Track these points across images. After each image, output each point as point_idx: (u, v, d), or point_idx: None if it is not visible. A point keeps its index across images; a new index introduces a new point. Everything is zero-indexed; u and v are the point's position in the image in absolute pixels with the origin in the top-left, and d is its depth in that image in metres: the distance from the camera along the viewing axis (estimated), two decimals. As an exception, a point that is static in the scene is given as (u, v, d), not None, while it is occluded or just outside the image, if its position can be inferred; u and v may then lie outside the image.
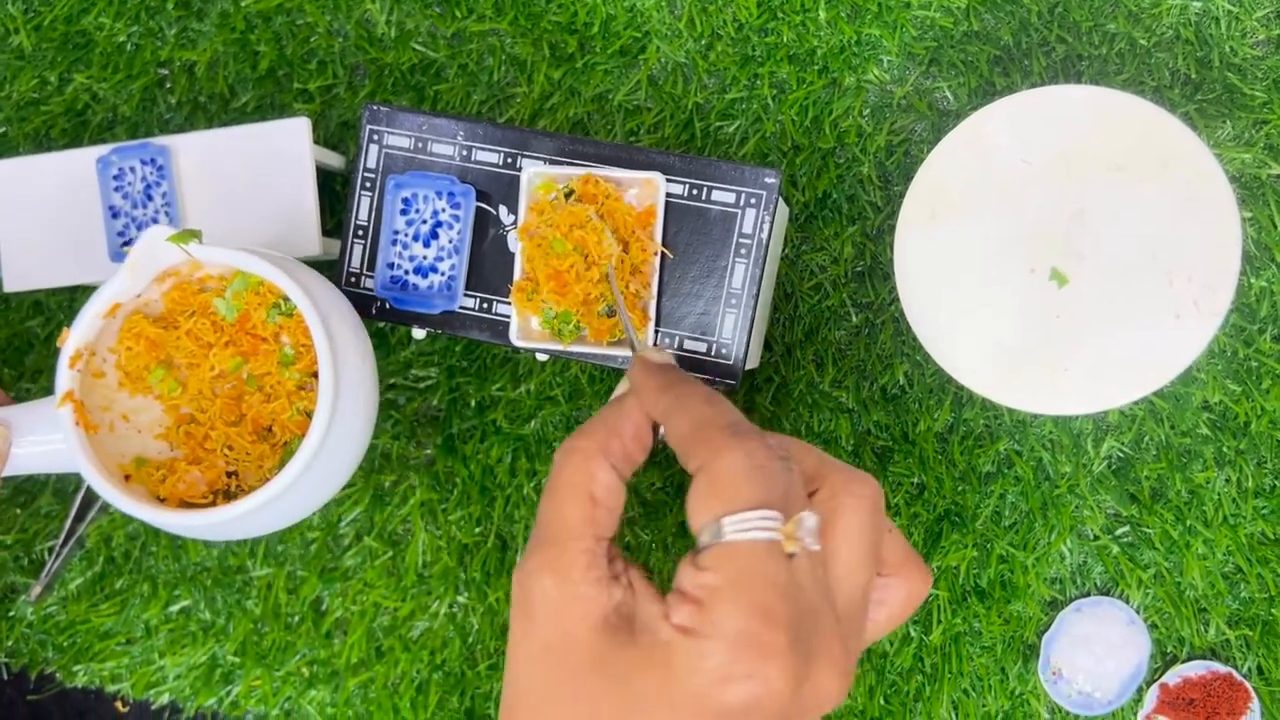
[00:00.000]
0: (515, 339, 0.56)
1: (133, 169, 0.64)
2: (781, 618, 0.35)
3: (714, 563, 0.36)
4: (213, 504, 0.54)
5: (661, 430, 0.43)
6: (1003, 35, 0.62)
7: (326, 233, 0.66)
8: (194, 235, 0.53)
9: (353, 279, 0.59)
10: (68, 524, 0.71)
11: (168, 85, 0.72)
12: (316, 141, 0.69)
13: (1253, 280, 0.60)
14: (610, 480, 0.40)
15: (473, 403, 0.67)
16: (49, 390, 0.66)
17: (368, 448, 0.57)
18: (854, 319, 0.64)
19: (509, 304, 0.56)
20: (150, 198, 0.64)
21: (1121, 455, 0.62)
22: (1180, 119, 0.52)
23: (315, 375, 0.54)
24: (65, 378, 0.53)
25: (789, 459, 0.39)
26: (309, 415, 0.54)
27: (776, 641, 0.35)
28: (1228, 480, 0.61)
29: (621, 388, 0.47)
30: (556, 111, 0.66)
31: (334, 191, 0.69)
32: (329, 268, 0.68)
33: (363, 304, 0.58)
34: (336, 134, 0.69)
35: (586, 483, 0.40)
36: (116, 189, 0.64)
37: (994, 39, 0.62)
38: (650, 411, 0.42)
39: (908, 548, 0.44)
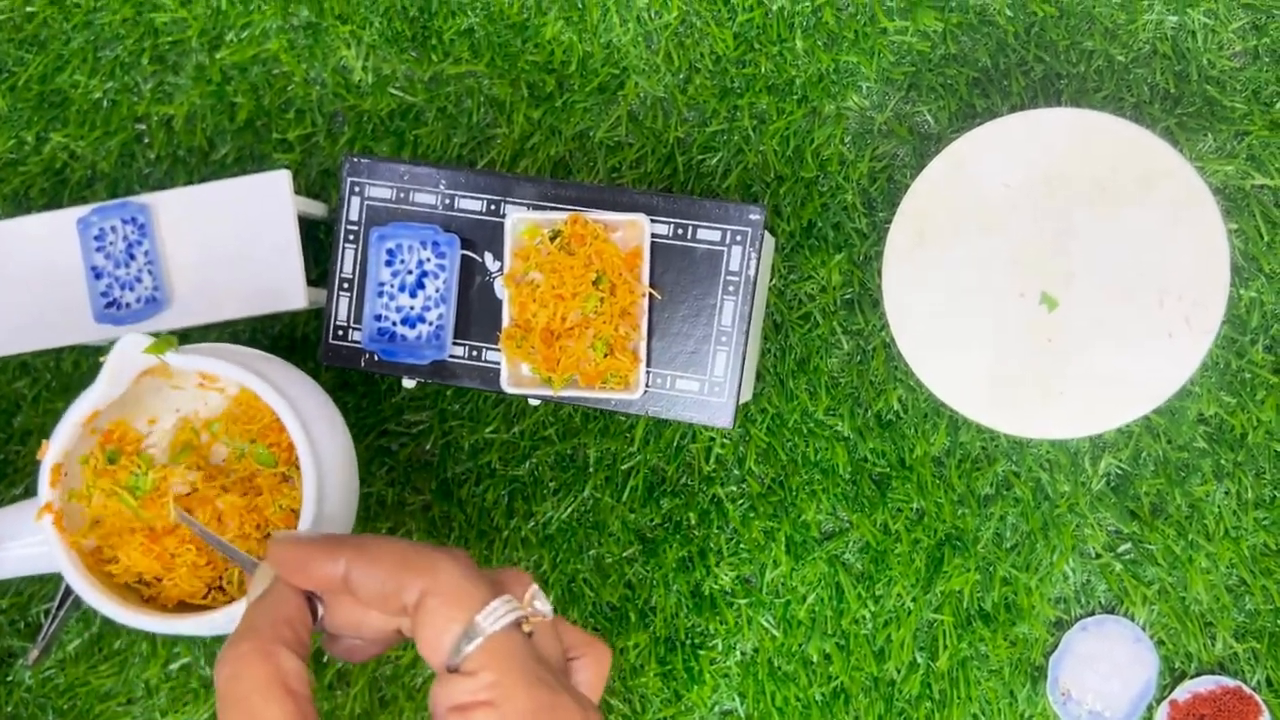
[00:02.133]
0: (506, 386, 0.55)
1: (114, 228, 0.63)
2: (556, 685, 0.38)
3: (483, 662, 0.37)
4: (208, 603, 0.55)
5: (320, 613, 0.42)
6: (980, 57, 0.62)
7: (312, 282, 0.65)
8: (170, 343, 0.53)
9: (340, 332, 0.58)
10: (63, 586, 0.70)
11: (146, 140, 0.71)
12: (298, 191, 0.68)
13: (1242, 291, 0.60)
14: (299, 668, 0.38)
15: (466, 446, 0.67)
16: (36, 448, 0.66)
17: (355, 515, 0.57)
18: (845, 346, 0.64)
19: (498, 350, 0.56)
20: (133, 257, 0.63)
21: (1120, 472, 0.61)
22: (1162, 135, 0.52)
23: (297, 465, 0.55)
24: (46, 492, 0.53)
25: None
26: (295, 512, 0.55)
27: (561, 700, 0.38)
28: (1227, 493, 0.60)
29: (259, 585, 0.43)
30: (538, 151, 0.66)
31: (318, 240, 0.68)
32: (316, 317, 0.68)
33: (351, 357, 0.58)
34: (318, 182, 0.69)
35: (277, 678, 0.37)
36: (98, 249, 0.64)
37: (972, 61, 0.62)
38: (319, 582, 0.41)
39: (583, 631, 0.45)
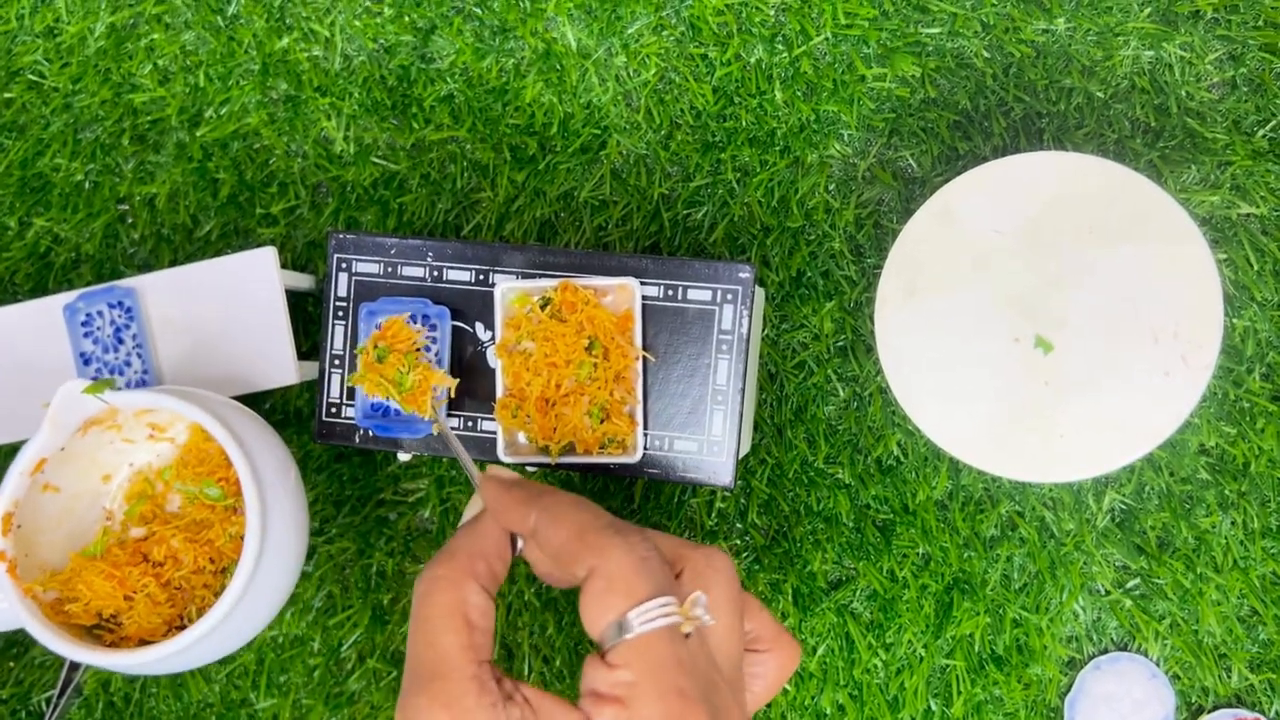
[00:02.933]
0: (503, 455, 0.55)
1: (100, 313, 0.63)
2: (695, 695, 0.37)
3: (626, 658, 0.37)
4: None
5: (520, 544, 0.44)
6: (960, 100, 0.62)
7: (303, 355, 0.65)
8: (109, 384, 0.54)
9: (332, 409, 0.58)
10: (63, 673, 0.69)
11: (129, 220, 0.71)
12: (284, 265, 0.68)
13: (1235, 321, 0.60)
14: (482, 602, 0.40)
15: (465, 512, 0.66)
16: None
17: (305, 552, 0.59)
18: (841, 393, 0.63)
19: (494, 420, 0.56)
20: (121, 341, 0.63)
21: (1124, 507, 0.61)
22: (1145, 170, 0.52)
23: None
24: None
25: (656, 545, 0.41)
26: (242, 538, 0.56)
27: (695, 714, 0.37)
28: (1233, 523, 0.60)
29: (472, 509, 0.46)
30: (524, 213, 0.66)
31: (306, 312, 0.68)
32: (308, 389, 0.67)
33: (345, 434, 0.57)
34: (304, 254, 0.69)
35: (460, 608, 0.40)
36: (86, 334, 0.63)
37: (952, 104, 0.62)
38: (514, 527, 0.43)
39: (776, 623, 0.45)
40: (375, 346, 0.55)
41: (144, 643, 0.55)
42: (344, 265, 0.57)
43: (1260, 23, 0.59)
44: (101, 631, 0.57)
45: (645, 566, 0.39)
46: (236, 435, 0.53)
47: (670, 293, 0.55)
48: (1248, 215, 0.60)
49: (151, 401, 0.55)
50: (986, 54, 0.62)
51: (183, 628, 0.56)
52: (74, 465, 0.58)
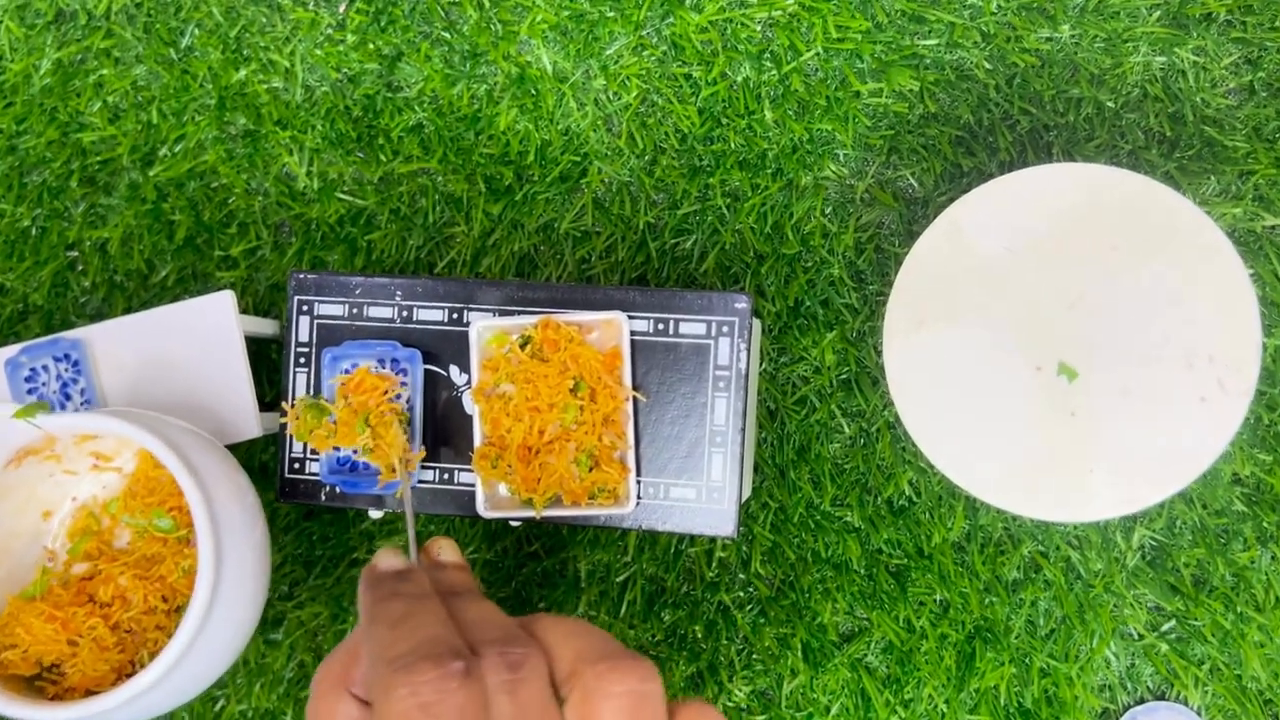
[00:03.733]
0: (483, 511, 0.50)
1: (45, 367, 0.58)
2: None
3: None
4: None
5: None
6: (962, 114, 0.59)
7: (266, 406, 0.60)
8: (41, 407, 0.50)
9: (296, 465, 0.53)
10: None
11: (79, 268, 0.66)
12: (245, 310, 0.64)
13: (1265, 340, 0.56)
14: (352, 711, 0.37)
15: (446, 571, 0.61)
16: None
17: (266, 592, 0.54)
18: (847, 430, 0.59)
19: (472, 472, 0.51)
20: (68, 396, 0.58)
21: (1155, 544, 0.57)
22: (1162, 182, 0.48)
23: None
24: None
25: (482, 677, 0.34)
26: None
27: None
28: (1274, 558, 0.56)
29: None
30: (501, 248, 0.62)
31: (270, 359, 0.64)
32: (274, 442, 0.62)
33: (310, 491, 0.53)
34: (266, 298, 0.64)
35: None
36: (30, 390, 0.59)
37: (953, 119, 0.59)
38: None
39: None
40: (311, 402, 0.50)
41: (90, 693, 0.50)
42: (305, 308, 0.53)
43: (1277, 23, 0.56)
44: (44, 684, 0.52)
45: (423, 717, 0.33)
46: (184, 456, 0.49)
47: (661, 327, 0.50)
48: (1273, 227, 0.56)
49: (90, 425, 0.50)
50: (988, 65, 0.58)
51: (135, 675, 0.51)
52: (9, 501, 0.53)
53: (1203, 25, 0.57)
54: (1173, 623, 0.57)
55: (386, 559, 0.41)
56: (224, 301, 0.57)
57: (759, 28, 0.60)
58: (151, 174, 0.65)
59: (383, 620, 0.36)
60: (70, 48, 0.66)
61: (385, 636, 0.35)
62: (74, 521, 0.56)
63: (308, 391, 0.53)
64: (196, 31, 0.65)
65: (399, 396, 0.51)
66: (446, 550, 0.44)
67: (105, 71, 0.66)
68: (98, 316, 0.66)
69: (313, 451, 0.53)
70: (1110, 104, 0.57)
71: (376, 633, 0.36)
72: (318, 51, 0.64)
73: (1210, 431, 0.48)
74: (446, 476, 0.52)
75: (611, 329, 0.50)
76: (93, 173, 0.66)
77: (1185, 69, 0.57)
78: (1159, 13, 0.57)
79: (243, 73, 0.65)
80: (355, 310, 0.52)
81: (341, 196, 0.63)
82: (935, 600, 0.58)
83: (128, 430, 0.49)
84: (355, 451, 0.51)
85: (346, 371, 0.52)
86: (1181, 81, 0.57)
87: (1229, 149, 0.56)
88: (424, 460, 0.52)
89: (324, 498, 0.53)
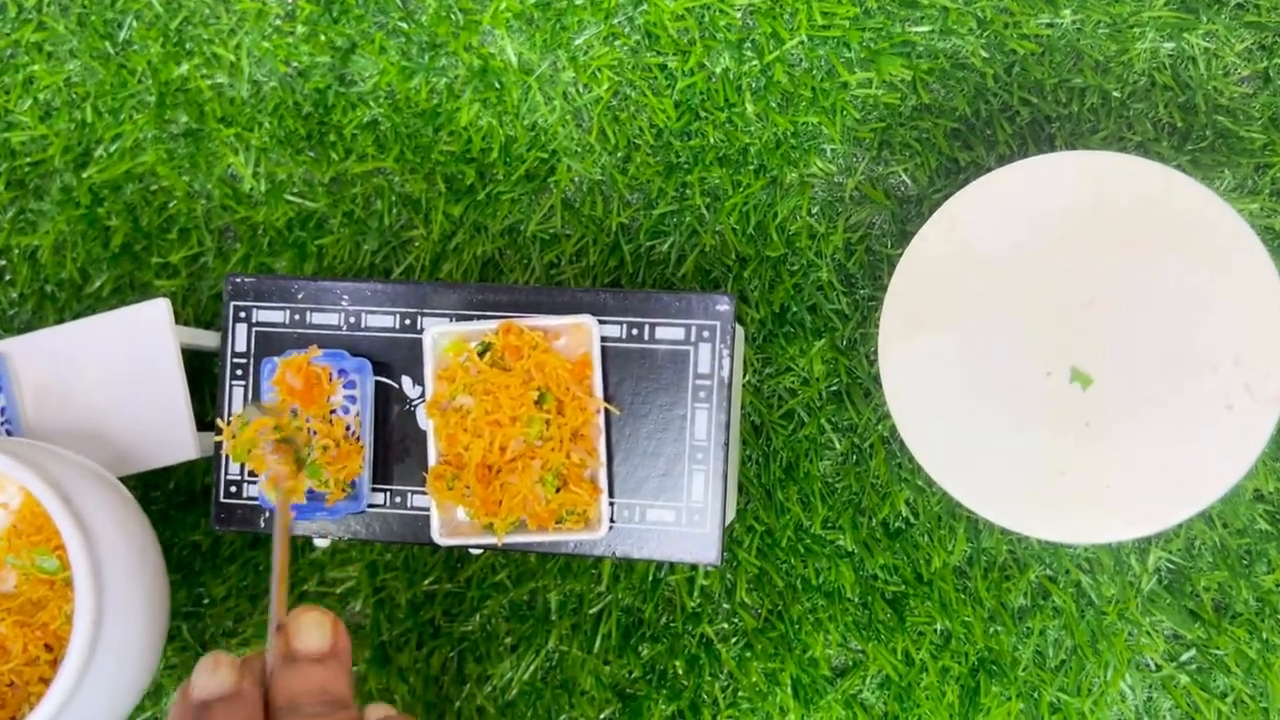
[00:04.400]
0: (439, 537, 0.46)
1: (-38, 384, 0.53)
2: None
3: None
4: None
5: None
6: (958, 105, 0.55)
7: (205, 425, 0.55)
8: None
9: (232, 488, 0.48)
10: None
11: (7, 277, 0.61)
12: (186, 321, 0.59)
13: (1287, 345, 0.52)
14: None
15: (403, 602, 0.57)
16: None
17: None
18: (838, 446, 0.55)
19: (426, 494, 0.46)
20: (-14, 415, 0.53)
21: (1172, 567, 0.52)
22: (1189, 176, 0.44)
23: None
24: None
25: None
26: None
27: None
28: (1301, 581, 0.52)
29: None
30: (462, 251, 0.57)
31: (213, 375, 0.59)
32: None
33: (248, 518, 0.48)
34: (209, 308, 0.59)
35: None
36: (-55, 410, 0.53)
37: (949, 111, 0.55)
38: None
39: None
40: (254, 408, 0.45)
41: None
42: (243, 314, 0.48)
43: (1293, 6, 0.53)
44: None
45: None
46: (62, 491, 0.44)
47: (635, 332, 0.46)
48: (1292, 224, 0.52)
49: None
50: (985, 53, 0.54)
51: None
52: None
53: (1213, 9, 0.53)
54: (1193, 652, 0.52)
55: (203, 680, 0.34)
56: (158, 310, 0.52)
57: (739, 15, 0.56)
58: (86, 176, 0.60)
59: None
60: (-2, 41, 0.61)
61: None
62: None
63: (245, 405, 0.48)
64: (135, 24, 0.61)
65: (345, 410, 0.46)
66: (306, 633, 0.35)
67: (36, 67, 0.61)
68: (27, 329, 0.61)
69: (251, 473, 0.48)
70: (1116, 93, 0.53)
71: None
72: (265, 44, 0.59)
73: (1238, 441, 0.43)
74: (399, 500, 0.47)
75: (580, 334, 0.46)
76: (22, 175, 0.61)
77: (1196, 55, 0.53)
78: (1166, -4, 0.53)
79: (184, 67, 0.60)
80: (297, 316, 0.48)
81: (290, 199, 0.59)
82: (935, 630, 0.54)
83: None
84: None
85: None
86: (1192, 69, 0.53)
87: (1244, 140, 0.53)
88: (374, 482, 0.47)
89: (263, 524, 0.48)
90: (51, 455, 0.47)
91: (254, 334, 0.48)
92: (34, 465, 0.45)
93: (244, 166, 0.59)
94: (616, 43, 0.57)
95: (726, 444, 0.46)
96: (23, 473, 0.44)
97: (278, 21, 0.60)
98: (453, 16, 0.58)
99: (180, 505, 0.59)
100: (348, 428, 0.46)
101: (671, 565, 0.55)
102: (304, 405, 0.45)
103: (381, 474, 0.47)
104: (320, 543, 0.48)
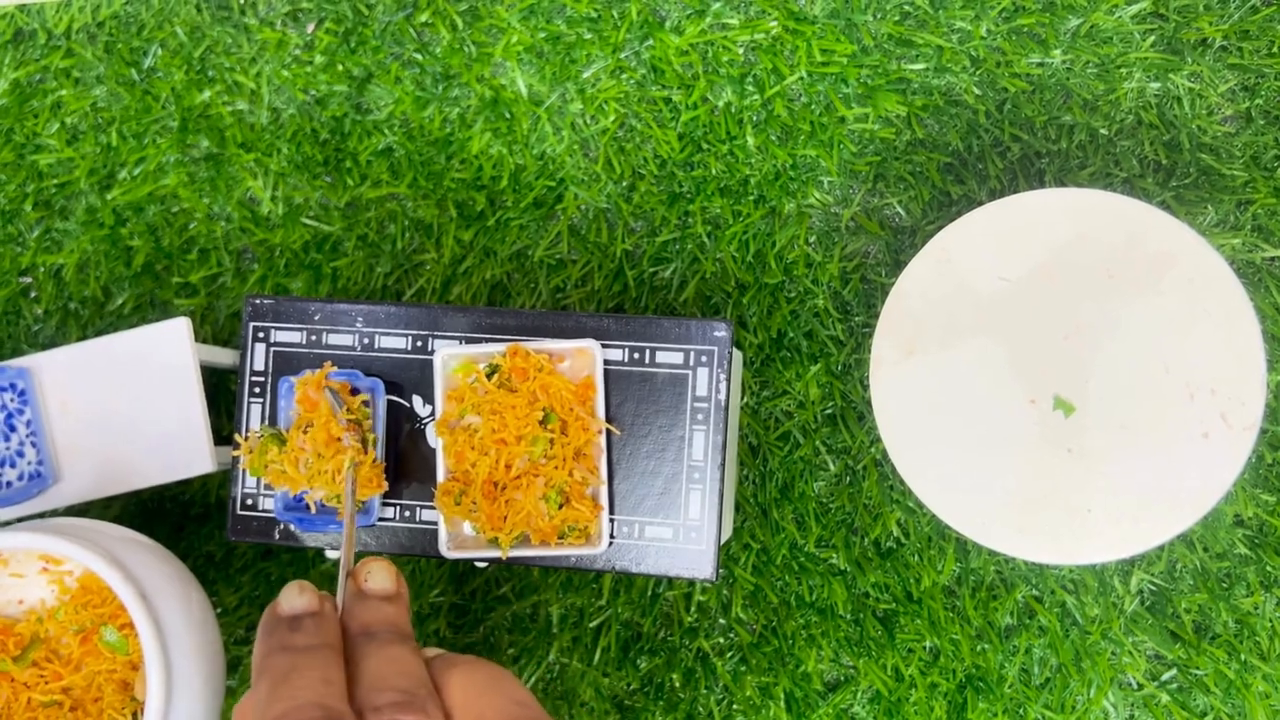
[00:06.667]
0: (446, 551, 0.47)
1: (-11, 397, 0.55)
2: None
3: None
4: None
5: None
6: (951, 140, 0.57)
7: (223, 440, 0.57)
8: None
9: (248, 501, 0.50)
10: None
11: (33, 295, 0.64)
12: (204, 339, 0.61)
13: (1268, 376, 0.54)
14: None
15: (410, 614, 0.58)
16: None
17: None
18: (832, 467, 0.57)
19: (435, 509, 0.48)
20: (13, 428, 0.55)
21: (1154, 589, 0.54)
22: (1166, 212, 0.46)
23: None
24: None
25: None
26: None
27: None
28: (1279, 604, 0.53)
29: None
30: (472, 275, 0.59)
31: (230, 392, 0.61)
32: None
33: (263, 530, 0.50)
34: (226, 327, 0.61)
35: None
36: (-27, 422, 0.56)
37: (942, 145, 0.57)
38: None
39: None
40: (271, 432, 0.47)
41: None
42: (261, 334, 0.50)
43: (1275, 50, 0.54)
44: None
45: None
46: (133, 577, 0.45)
47: (636, 356, 0.48)
48: (1272, 259, 0.54)
49: (20, 543, 0.46)
50: (977, 90, 0.56)
51: None
52: None
53: (1198, 51, 0.55)
54: (1174, 672, 0.54)
55: (290, 598, 0.37)
56: (179, 329, 0.54)
57: (741, 51, 0.58)
58: (110, 198, 0.63)
59: (267, 677, 0.33)
60: (28, 67, 0.64)
61: (264, 698, 0.32)
62: (17, 627, 0.50)
63: (263, 422, 0.50)
64: (160, 52, 0.63)
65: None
66: (375, 576, 0.39)
67: (64, 92, 0.64)
68: (51, 345, 0.63)
69: (267, 487, 0.50)
70: (1104, 130, 0.56)
71: (259, 692, 0.33)
72: (284, 72, 0.62)
73: (1214, 468, 0.45)
74: (408, 514, 0.49)
75: (584, 358, 0.48)
76: (49, 196, 0.64)
77: (1180, 95, 0.55)
78: (1153, 38, 0.55)
79: (206, 94, 0.62)
80: (314, 337, 0.50)
81: (307, 222, 0.61)
82: (925, 647, 0.55)
83: (66, 550, 0.46)
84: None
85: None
86: (1177, 108, 0.55)
87: (1226, 178, 0.54)
88: (384, 496, 0.49)
89: (278, 536, 0.50)
90: (104, 534, 0.48)
91: (272, 353, 0.50)
92: (100, 550, 0.46)
93: (262, 190, 0.61)
94: (623, 76, 0.59)
95: (722, 464, 0.47)
96: (95, 560, 0.46)
97: (297, 51, 0.62)
98: (466, 49, 0.60)
99: (196, 518, 0.61)
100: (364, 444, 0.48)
101: (669, 580, 0.57)
102: (328, 419, 0.47)
103: (392, 489, 0.49)
104: (331, 554, 0.50)
